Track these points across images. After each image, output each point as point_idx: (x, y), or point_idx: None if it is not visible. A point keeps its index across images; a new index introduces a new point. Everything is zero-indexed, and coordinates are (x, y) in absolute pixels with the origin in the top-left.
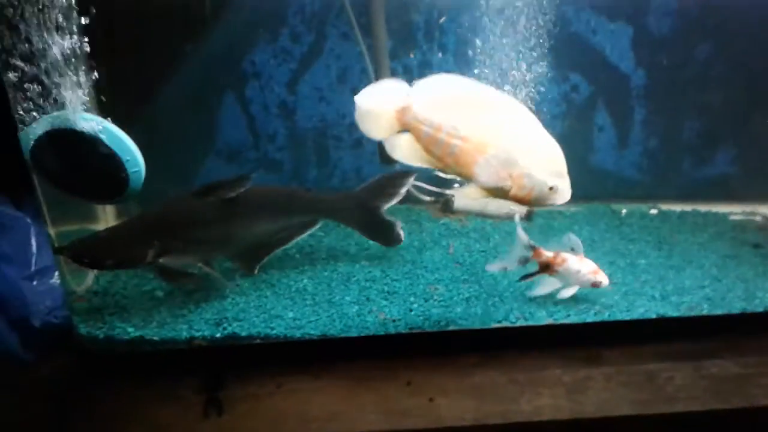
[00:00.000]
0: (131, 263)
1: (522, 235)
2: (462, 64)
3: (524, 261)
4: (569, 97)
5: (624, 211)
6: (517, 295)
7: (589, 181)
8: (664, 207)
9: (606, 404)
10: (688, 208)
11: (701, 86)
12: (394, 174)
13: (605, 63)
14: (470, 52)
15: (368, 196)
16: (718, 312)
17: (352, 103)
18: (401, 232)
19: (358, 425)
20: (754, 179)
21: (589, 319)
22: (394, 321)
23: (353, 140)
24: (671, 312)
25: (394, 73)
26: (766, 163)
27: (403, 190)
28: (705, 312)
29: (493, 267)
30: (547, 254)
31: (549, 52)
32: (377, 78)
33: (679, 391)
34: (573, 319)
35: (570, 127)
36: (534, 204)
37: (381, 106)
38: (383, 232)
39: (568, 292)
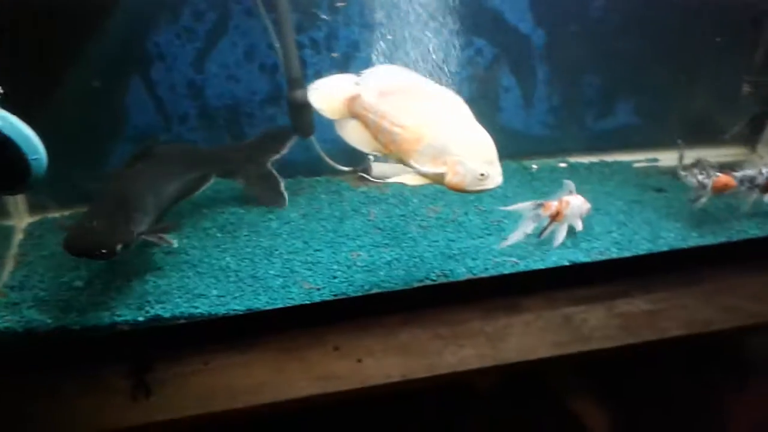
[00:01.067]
0: (132, 243)
1: (524, 204)
2: (367, 36)
3: (537, 218)
4: (474, 60)
5: (535, 166)
6: (436, 255)
7: (500, 141)
8: (573, 160)
9: (526, 348)
10: (595, 159)
11: (598, 42)
12: (277, 130)
13: (505, 25)
14: (375, 24)
15: (254, 150)
16: (626, 254)
17: (262, 79)
18: (284, 193)
19: (287, 393)
20: (654, 127)
21: (506, 271)
22: (318, 289)
23: (266, 116)
24: (583, 258)
25: (300, 46)
26: (664, 112)
27: (286, 149)
28: (614, 255)
29: (511, 239)
30: (554, 204)
31: (451, 17)
32: (284, 53)
33: (593, 330)
34: (491, 272)
35: (477, 89)
36: (468, 189)
37: (332, 94)
38: (269, 188)
39: (578, 225)
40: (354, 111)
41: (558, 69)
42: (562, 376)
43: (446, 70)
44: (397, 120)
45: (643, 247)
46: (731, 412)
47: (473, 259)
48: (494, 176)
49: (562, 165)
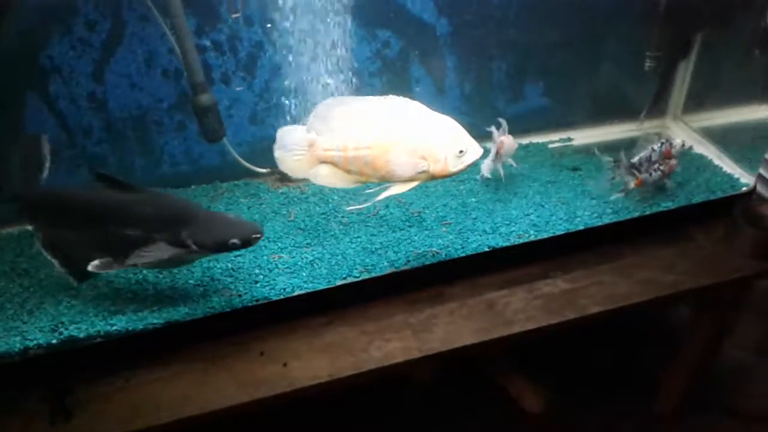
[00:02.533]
0: None
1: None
2: (271, 36)
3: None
4: (382, 53)
5: None
6: (359, 251)
7: None
8: (489, 144)
9: (451, 337)
10: None
11: (503, 27)
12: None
13: (409, 16)
14: (278, 23)
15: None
16: (544, 236)
17: (166, 86)
18: None
19: (213, 403)
20: (565, 108)
21: (428, 262)
22: (240, 296)
23: (176, 123)
24: (502, 243)
25: (201, 50)
26: (573, 92)
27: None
28: (532, 237)
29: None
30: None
31: (356, 12)
32: (184, 58)
33: (516, 313)
34: (413, 264)
35: (389, 82)
36: (455, 170)
37: (293, 155)
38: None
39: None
40: (318, 157)
41: (466, 56)
42: (497, 361)
43: (354, 65)
44: (359, 143)
45: (560, 228)
46: (660, 381)
47: (395, 252)
48: (472, 148)
49: None
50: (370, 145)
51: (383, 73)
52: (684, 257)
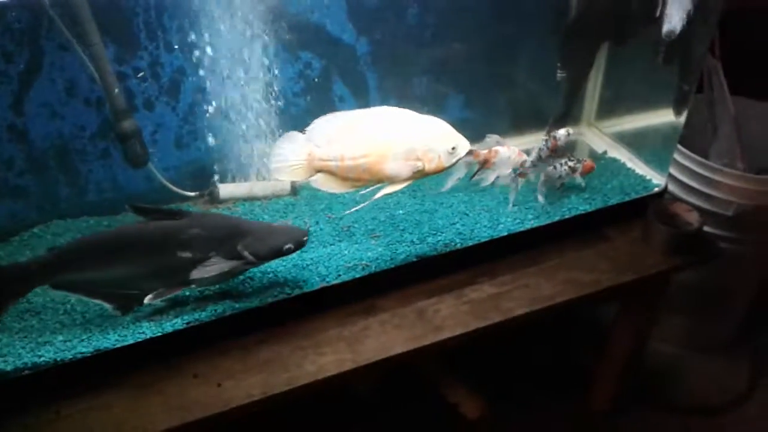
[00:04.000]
0: None
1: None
2: (192, 61)
3: (468, 165)
4: (305, 74)
5: None
6: (289, 267)
7: None
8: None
9: (383, 347)
10: None
11: (421, 44)
12: None
13: (329, 37)
14: (198, 49)
15: None
16: (470, 243)
17: (88, 114)
18: None
19: (147, 428)
20: (486, 119)
21: (359, 275)
22: (171, 321)
23: (99, 151)
24: (429, 252)
25: (120, 77)
26: (493, 104)
27: None
28: (459, 246)
29: (448, 185)
30: (483, 152)
31: (276, 35)
32: (104, 86)
33: (445, 320)
34: (344, 278)
35: (312, 102)
36: (449, 166)
37: (291, 165)
38: None
39: (504, 173)
40: (315, 167)
41: (387, 74)
42: (434, 369)
43: (277, 87)
44: (357, 153)
45: (485, 235)
46: (593, 376)
47: (326, 267)
48: (462, 143)
49: None
50: (366, 154)
51: (307, 93)
52: (604, 257)
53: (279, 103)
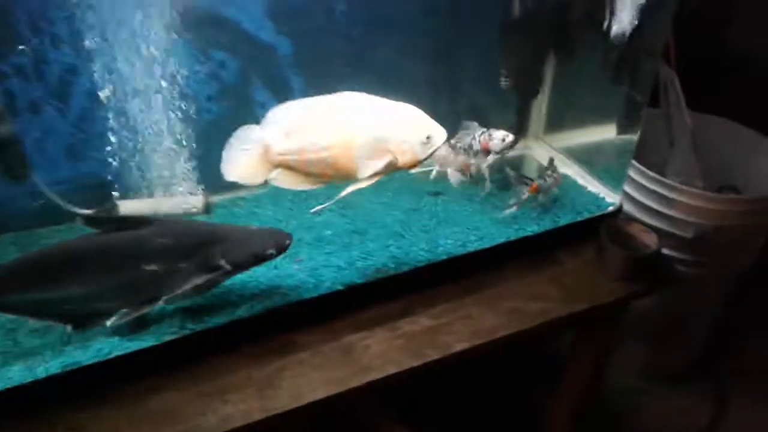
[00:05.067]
0: None
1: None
2: (89, 58)
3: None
4: (218, 75)
5: None
6: (195, 299)
7: None
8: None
9: (299, 392)
10: None
11: (351, 45)
12: None
13: (245, 35)
14: (97, 44)
15: None
16: (405, 268)
17: None
18: None
19: None
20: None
21: (275, 306)
22: (46, 363)
23: None
24: (358, 279)
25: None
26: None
27: None
28: (392, 272)
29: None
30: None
31: (184, 31)
32: None
33: (375, 358)
34: (257, 309)
35: (229, 107)
36: (423, 158)
37: (243, 161)
38: None
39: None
40: (273, 162)
41: (312, 76)
42: (371, 408)
43: (187, 90)
44: (318, 145)
45: (422, 258)
46: (547, 407)
47: (238, 296)
48: (437, 132)
49: None
50: (329, 146)
51: (223, 97)
52: (554, 283)
53: (190, 105)
